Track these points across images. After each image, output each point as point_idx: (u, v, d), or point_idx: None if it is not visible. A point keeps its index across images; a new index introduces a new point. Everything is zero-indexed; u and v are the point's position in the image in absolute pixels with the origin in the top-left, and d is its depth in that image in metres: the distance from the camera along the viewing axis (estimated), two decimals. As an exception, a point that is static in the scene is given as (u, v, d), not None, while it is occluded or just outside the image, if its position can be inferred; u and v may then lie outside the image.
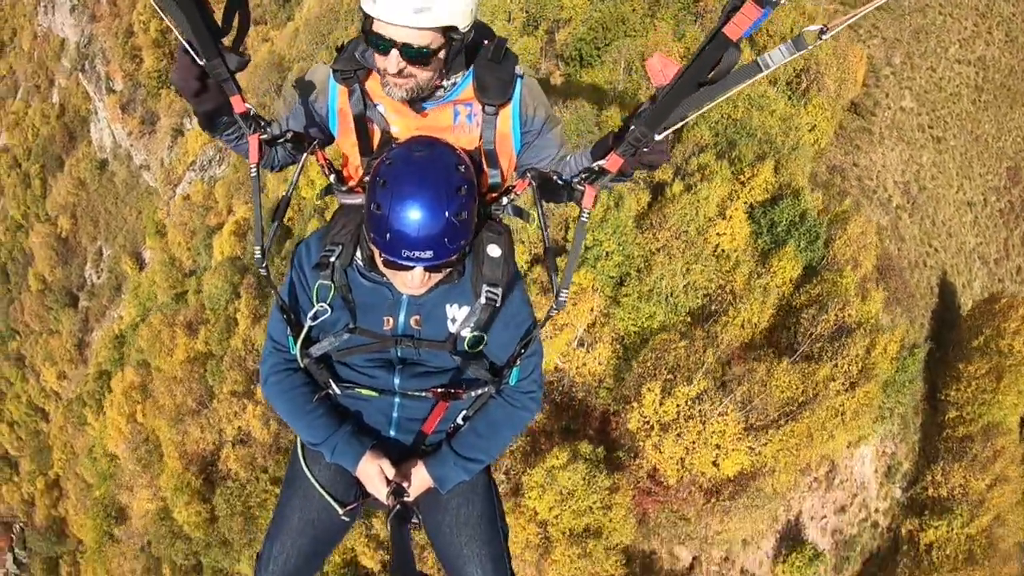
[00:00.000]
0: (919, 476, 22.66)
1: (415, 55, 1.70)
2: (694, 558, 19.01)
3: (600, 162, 1.79)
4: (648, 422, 17.35)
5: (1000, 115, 38.63)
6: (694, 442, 16.61)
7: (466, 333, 1.96)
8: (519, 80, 1.94)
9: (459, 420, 2.14)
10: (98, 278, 45.62)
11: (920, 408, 23.44)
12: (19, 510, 44.97)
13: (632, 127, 1.64)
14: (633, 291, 18.41)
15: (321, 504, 2.13)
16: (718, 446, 16.61)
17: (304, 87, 2.00)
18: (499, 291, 1.92)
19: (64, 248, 46.09)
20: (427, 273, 1.77)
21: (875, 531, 21.67)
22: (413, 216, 1.63)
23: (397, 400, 2.08)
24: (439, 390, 2.04)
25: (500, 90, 1.90)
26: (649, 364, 17.41)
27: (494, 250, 1.94)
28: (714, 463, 17.01)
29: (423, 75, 1.77)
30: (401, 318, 1.96)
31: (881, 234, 24.91)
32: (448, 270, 1.83)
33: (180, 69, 1.67)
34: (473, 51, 1.91)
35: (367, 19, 1.70)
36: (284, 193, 2.02)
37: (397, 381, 2.04)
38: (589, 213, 1.85)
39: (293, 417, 2.10)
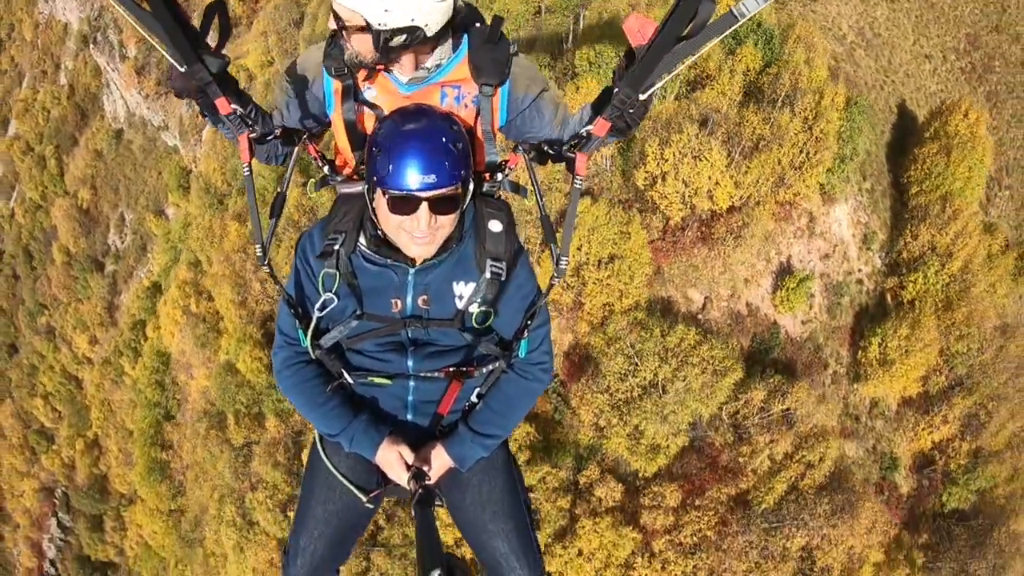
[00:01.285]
0: (893, 247, 28.55)
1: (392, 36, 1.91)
2: (705, 298, 24.75)
3: (588, 127, 2.04)
4: (652, 176, 23.35)
5: (955, -10, 45.45)
6: (690, 175, 22.60)
7: (473, 309, 2.18)
8: (512, 60, 2.18)
9: (473, 398, 2.39)
10: (122, 243, 51.50)
11: (888, 192, 29.49)
12: (60, 475, 49.73)
13: (616, 89, 1.85)
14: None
15: (344, 493, 2.39)
16: (709, 177, 22.58)
17: (298, 74, 2.25)
18: (503, 265, 2.15)
19: (86, 219, 52.08)
20: (433, 216, 1.98)
21: (861, 288, 27.44)
22: (413, 143, 1.92)
23: (412, 383, 2.31)
24: (451, 369, 2.27)
25: (496, 71, 2.14)
26: (647, 130, 23.50)
27: (495, 225, 2.17)
28: (709, 195, 22.97)
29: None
30: (409, 299, 2.18)
31: (836, 58, 31.30)
32: (452, 214, 2.03)
33: (174, 77, 1.92)
34: (461, 33, 2.14)
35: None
36: (280, 189, 2.27)
37: (410, 363, 2.27)
38: (583, 180, 2.09)
39: (308, 410, 2.34)
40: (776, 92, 24.10)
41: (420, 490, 2.18)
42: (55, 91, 54.45)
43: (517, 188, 2.36)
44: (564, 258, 2.12)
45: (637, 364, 21.14)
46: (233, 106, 2.02)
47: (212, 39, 1.90)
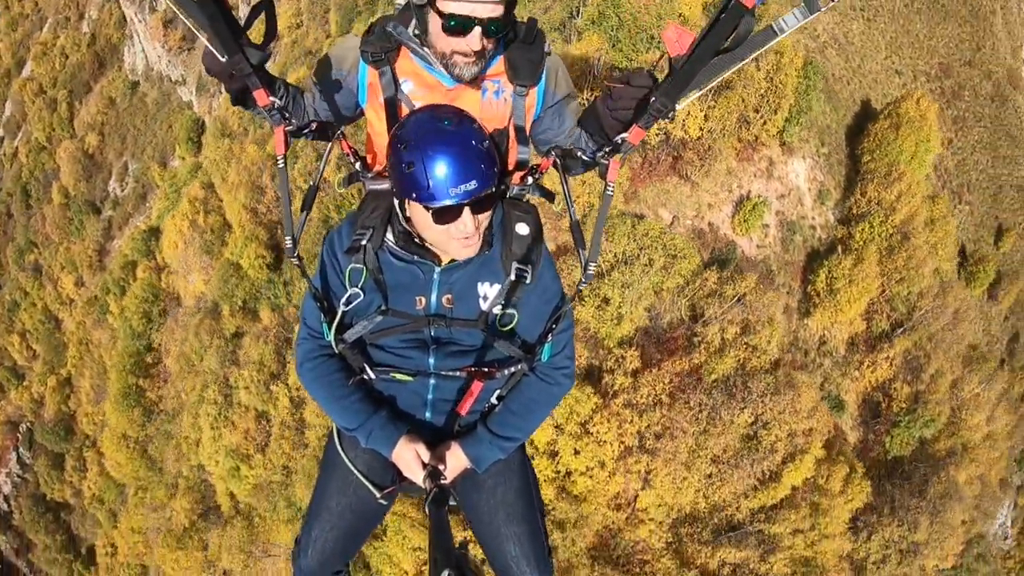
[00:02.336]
0: (845, 204, 35.06)
1: (497, 30, 2.13)
2: (673, 216, 30.84)
3: (624, 135, 2.30)
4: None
5: (932, 23, 53.77)
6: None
7: (497, 311, 2.40)
8: (546, 58, 2.44)
9: (493, 399, 2.62)
10: (122, 191, 57.03)
11: (843, 162, 36.25)
12: (27, 410, 53.16)
13: (653, 99, 2.06)
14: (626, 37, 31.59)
15: (358, 488, 2.62)
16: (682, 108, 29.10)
17: (334, 62, 2.50)
18: (529, 268, 2.35)
19: (90, 163, 57.56)
20: (475, 217, 2.18)
21: (813, 233, 33.68)
22: (446, 155, 2.04)
23: (432, 381, 2.54)
24: (472, 369, 2.48)
25: (531, 72, 2.41)
26: (633, 63, 30.26)
27: (523, 228, 2.38)
28: (682, 125, 29.46)
29: (490, 48, 2.24)
30: (433, 297, 2.40)
31: (807, 49, 38.71)
32: (491, 210, 2.24)
33: (208, 55, 2.12)
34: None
35: (430, 2, 2.12)
36: (312, 183, 2.52)
37: (432, 361, 2.50)
38: (614, 186, 2.34)
39: (328, 403, 2.56)
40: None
41: (435, 489, 2.37)
42: (76, 38, 60.99)
43: (546, 193, 2.59)
44: (592, 263, 2.38)
45: (610, 242, 26.99)
46: (271, 99, 2.28)
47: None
